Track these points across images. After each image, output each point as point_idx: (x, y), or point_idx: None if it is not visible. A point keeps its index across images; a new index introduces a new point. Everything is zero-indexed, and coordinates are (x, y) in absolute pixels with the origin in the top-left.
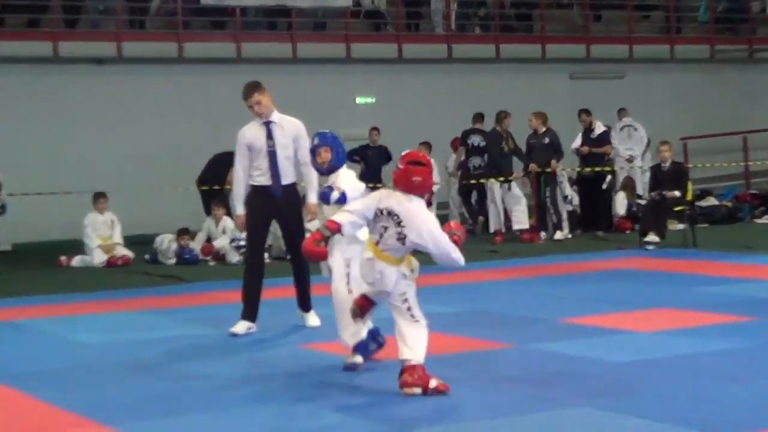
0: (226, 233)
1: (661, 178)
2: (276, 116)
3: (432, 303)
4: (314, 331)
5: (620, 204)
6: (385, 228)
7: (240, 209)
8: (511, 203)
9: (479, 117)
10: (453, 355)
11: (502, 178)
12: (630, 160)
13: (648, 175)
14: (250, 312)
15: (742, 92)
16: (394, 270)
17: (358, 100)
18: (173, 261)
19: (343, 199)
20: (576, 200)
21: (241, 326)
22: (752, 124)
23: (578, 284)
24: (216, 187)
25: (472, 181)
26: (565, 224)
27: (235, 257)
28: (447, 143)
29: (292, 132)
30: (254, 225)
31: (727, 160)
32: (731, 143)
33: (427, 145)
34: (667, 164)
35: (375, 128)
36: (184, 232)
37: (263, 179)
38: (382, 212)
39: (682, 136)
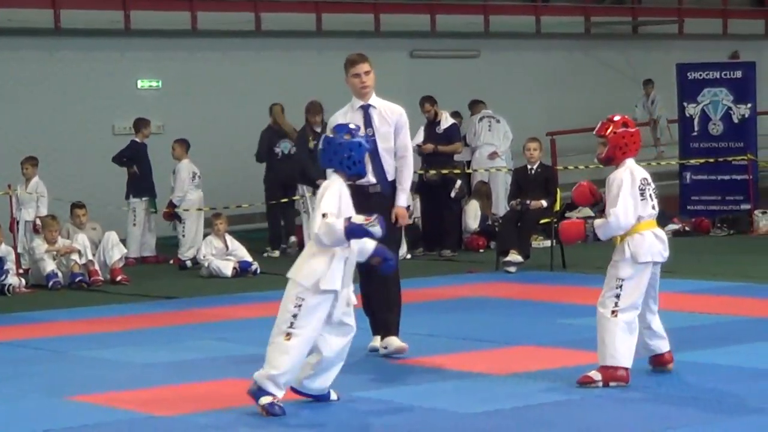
0: None
1: (524, 183)
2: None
3: (232, 341)
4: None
5: (472, 216)
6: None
7: None
8: None
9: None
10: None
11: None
12: (493, 157)
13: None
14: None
15: (625, 75)
16: None
17: (141, 83)
18: None
19: None
20: (417, 211)
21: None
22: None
23: (418, 316)
24: None
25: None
26: (403, 241)
27: None
28: (253, 137)
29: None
30: None
31: None
32: None
33: (182, 143)
34: (535, 167)
35: (143, 119)
36: None
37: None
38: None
39: (549, 130)
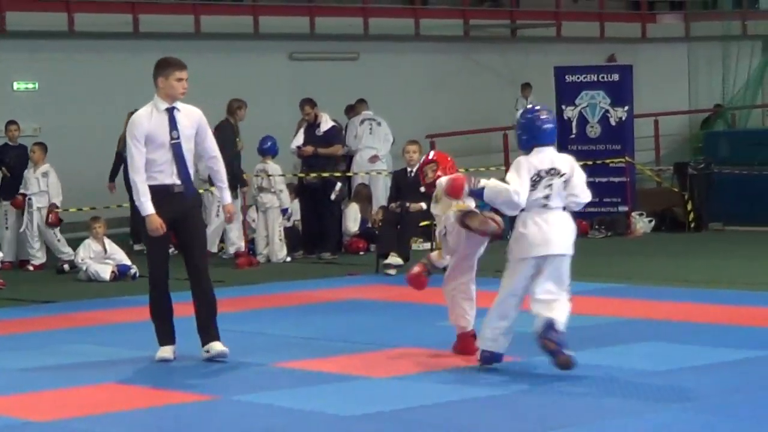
0: None
1: (404, 186)
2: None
3: (110, 345)
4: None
5: (352, 219)
6: None
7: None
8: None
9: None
10: (143, 411)
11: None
12: (374, 160)
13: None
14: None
15: (504, 78)
16: None
17: (17, 85)
18: None
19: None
20: (296, 214)
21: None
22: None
23: (298, 319)
24: None
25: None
26: (283, 244)
27: None
28: None
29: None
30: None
31: (486, 162)
32: (490, 142)
33: (42, 146)
34: (414, 169)
35: (13, 122)
36: None
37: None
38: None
39: (429, 133)
